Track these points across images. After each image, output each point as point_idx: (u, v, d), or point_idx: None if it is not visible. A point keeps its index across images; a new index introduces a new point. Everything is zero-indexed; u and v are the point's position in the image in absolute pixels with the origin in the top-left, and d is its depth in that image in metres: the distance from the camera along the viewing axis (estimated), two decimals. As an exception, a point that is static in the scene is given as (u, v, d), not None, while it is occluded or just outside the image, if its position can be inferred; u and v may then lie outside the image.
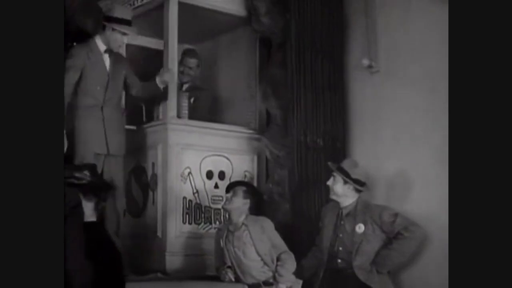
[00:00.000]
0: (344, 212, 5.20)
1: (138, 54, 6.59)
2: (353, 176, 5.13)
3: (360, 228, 5.10)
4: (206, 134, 5.83)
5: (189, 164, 5.70)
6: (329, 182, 5.21)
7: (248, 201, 5.21)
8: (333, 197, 5.23)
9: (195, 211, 5.69)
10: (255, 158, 6.13)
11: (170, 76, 5.70)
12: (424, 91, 5.49)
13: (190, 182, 5.69)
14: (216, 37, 6.80)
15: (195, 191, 5.71)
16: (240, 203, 5.18)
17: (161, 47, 6.22)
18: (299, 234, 5.62)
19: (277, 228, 5.21)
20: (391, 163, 5.61)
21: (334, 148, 5.93)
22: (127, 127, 5.95)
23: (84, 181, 4.39)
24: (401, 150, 5.61)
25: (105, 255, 4.13)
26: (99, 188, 4.48)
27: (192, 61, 6.50)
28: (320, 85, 5.97)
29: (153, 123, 5.90)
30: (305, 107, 5.87)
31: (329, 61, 6.04)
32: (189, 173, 5.70)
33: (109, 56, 5.49)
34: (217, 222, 5.78)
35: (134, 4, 6.27)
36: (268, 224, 5.19)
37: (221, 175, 5.86)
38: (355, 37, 6.14)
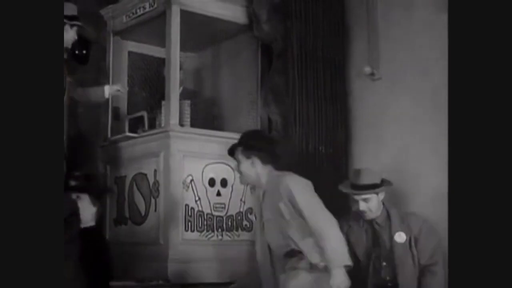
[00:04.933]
0: (379, 221, 4.78)
1: (140, 62, 6.62)
2: (379, 181, 4.80)
3: (400, 237, 4.67)
4: (208, 141, 5.81)
5: (191, 171, 5.69)
6: (363, 207, 4.71)
7: (254, 159, 4.62)
8: (369, 216, 4.77)
9: (198, 218, 5.68)
10: (257, 164, 6.08)
11: (122, 89, 5.86)
12: (426, 99, 5.50)
13: (192, 190, 5.68)
14: (217, 44, 6.82)
15: (197, 198, 5.70)
16: (246, 166, 4.64)
17: (163, 55, 6.25)
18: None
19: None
20: (394, 170, 5.60)
21: (336, 156, 5.94)
22: (130, 134, 5.98)
23: (89, 185, 4.40)
24: (403, 158, 5.62)
25: (102, 261, 4.12)
26: (103, 192, 4.49)
27: None
28: (322, 92, 5.98)
29: (155, 130, 5.91)
30: (307, 114, 5.88)
31: (331, 68, 6.06)
32: (191, 180, 5.69)
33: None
34: (220, 230, 5.77)
35: (136, 13, 6.30)
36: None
37: (223, 183, 5.85)
38: (356, 45, 6.16)
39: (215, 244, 5.52)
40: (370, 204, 4.74)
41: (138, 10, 6.29)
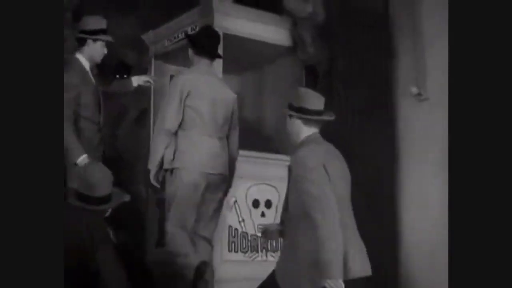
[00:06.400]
0: None
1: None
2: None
3: None
4: (252, 163, 5.75)
5: (235, 193, 5.61)
6: None
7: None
8: None
9: (241, 239, 5.59)
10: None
11: (151, 79, 5.77)
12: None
13: (236, 211, 5.61)
14: (260, 66, 6.79)
15: (241, 219, 5.63)
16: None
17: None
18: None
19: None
20: (439, 188, 5.46)
21: (382, 174, 5.81)
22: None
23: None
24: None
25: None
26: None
27: None
28: (368, 114, 5.89)
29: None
30: (352, 134, 5.79)
31: (377, 89, 5.98)
32: (235, 201, 5.62)
33: (91, 71, 5.31)
34: (264, 251, 5.67)
35: (178, 37, 6.32)
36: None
37: (268, 204, 5.77)
38: (403, 65, 6.07)
39: (259, 264, 5.40)
40: None
41: (179, 35, 6.31)
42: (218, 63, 5.81)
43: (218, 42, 5.24)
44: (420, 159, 5.77)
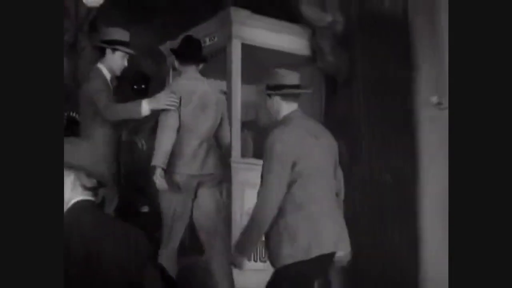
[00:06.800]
0: None
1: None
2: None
3: None
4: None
5: (254, 202, 5.54)
6: None
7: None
8: None
9: (262, 249, 5.51)
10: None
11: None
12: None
13: (253, 221, 5.55)
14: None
15: (259, 229, 5.55)
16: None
17: (223, 88, 6.20)
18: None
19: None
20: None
21: (403, 184, 5.74)
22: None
23: None
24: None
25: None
26: None
27: None
28: (388, 122, 5.83)
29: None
30: (373, 142, 5.73)
31: (397, 97, 5.91)
32: (254, 210, 5.56)
33: (111, 82, 5.27)
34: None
35: (196, 47, 6.28)
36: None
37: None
38: (423, 74, 6.00)
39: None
40: None
41: (198, 46, 6.27)
42: (236, 73, 5.79)
43: (200, 47, 5.32)
44: (441, 165, 5.70)
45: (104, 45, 5.19)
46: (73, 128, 6.53)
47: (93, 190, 3.00)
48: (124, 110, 5.04)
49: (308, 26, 6.16)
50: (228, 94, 5.89)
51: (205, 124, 5.04)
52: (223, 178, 5.20)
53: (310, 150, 3.99)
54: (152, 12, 7.12)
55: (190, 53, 5.20)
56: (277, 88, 4.14)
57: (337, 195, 4.19)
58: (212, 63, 6.24)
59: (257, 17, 6.04)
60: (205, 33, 6.18)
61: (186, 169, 4.93)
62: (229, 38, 5.92)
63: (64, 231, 2.79)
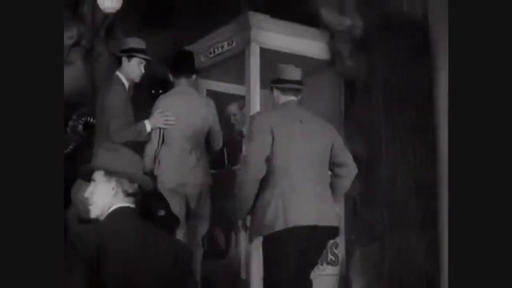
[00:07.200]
0: None
1: (218, 100, 6.57)
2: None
3: None
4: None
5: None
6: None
7: None
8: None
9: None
10: (342, 199, 5.91)
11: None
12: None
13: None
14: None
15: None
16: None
17: (242, 92, 6.19)
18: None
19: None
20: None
21: (425, 190, 5.72)
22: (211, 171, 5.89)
23: None
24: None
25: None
26: None
27: (231, 108, 6.53)
28: (408, 125, 5.81)
29: (236, 166, 5.80)
30: (393, 147, 5.72)
31: (417, 100, 5.88)
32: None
33: (129, 90, 5.33)
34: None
35: (214, 52, 6.32)
36: None
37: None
38: (443, 76, 5.98)
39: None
40: None
41: (216, 50, 6.30)
42: (255, 77, 5.78)
43: (192, 60, 5.58)
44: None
45: (121, 54, 5.28)
46: (89, 132, 6.56)
47: (135, 195, 3.01)
48: (131, 134, 5.13)
49: (327, 30, 6.13)
50: (246, 98, 5.89)
51: (193, 135, 5.27)
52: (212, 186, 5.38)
53: (291, 128, 4.17)
54: (170, 17, 7.11)
55: (182, 66, 5.46)
56: (277, 82, 4.40)
57: (339, 177, 4.37)
58: (231, 67, 6.29)
59: (276, 21, 6.02)
60: (223, 38, 6.19)
61: (174, 177, 5.14)
62: (247, 42, 5.91)
63: (102, 236, 2.80)
